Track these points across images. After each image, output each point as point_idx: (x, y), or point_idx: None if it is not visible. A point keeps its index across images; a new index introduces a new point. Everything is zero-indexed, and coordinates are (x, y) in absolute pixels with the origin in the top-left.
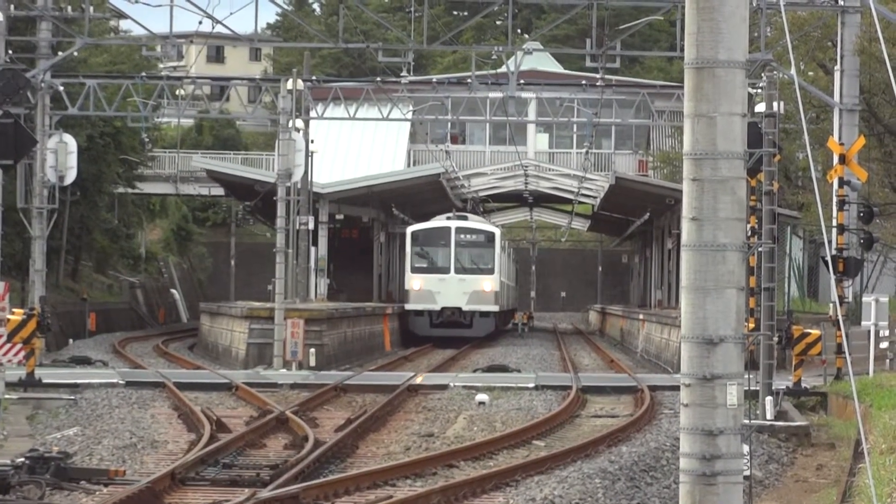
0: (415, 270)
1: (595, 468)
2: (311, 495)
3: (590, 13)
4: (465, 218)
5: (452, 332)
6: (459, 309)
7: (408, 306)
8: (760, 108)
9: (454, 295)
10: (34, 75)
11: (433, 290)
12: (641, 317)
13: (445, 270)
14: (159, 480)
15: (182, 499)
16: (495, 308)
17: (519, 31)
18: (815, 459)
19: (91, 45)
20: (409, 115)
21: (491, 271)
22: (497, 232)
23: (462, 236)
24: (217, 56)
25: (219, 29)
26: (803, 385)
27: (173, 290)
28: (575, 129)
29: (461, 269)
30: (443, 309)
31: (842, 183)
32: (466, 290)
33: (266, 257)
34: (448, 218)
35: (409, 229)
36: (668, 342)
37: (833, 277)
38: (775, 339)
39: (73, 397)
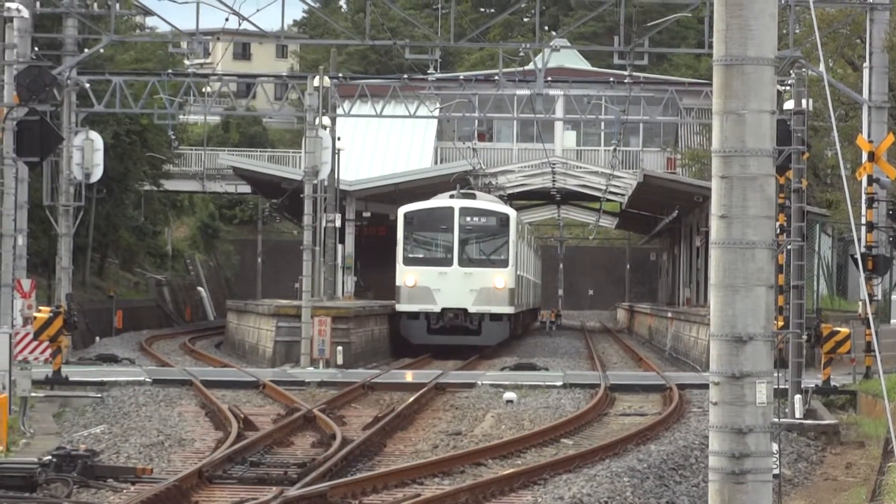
0: (408, 262)
1: (623, 467)
2: (338, 494)
3: (617, 10)
4: (473, 196)
5: (455, 340)
6: (465, 311)
7: (399, 307)
8: (789, 105)
9: (458, 293)
10: (60, 72)
11: (432, 286)
12: (670, 315)
13: (447, 262)
14: (186, 478)
15: (209, 497)
16: (510, 310)
17: (546, 27)
18: (844, 458)
19: (117, 43)
20: (436, 113)
21: (504, 263)
22: (512, 214)
23: (468, 219)
24: (243, 53)
25: (245, 26)
26: (832, 383)
27: (200, 288)
28: (603, 127)
29: (467, 261)
30: (444, 311)
31: (871, 180)
32: (474, 286)
33: (293, 255)
34: (451, 196)
35: (402, 210)
36: (697, 340)
37: (862, 275)
38: (804, 337)
39: (99, 395)
